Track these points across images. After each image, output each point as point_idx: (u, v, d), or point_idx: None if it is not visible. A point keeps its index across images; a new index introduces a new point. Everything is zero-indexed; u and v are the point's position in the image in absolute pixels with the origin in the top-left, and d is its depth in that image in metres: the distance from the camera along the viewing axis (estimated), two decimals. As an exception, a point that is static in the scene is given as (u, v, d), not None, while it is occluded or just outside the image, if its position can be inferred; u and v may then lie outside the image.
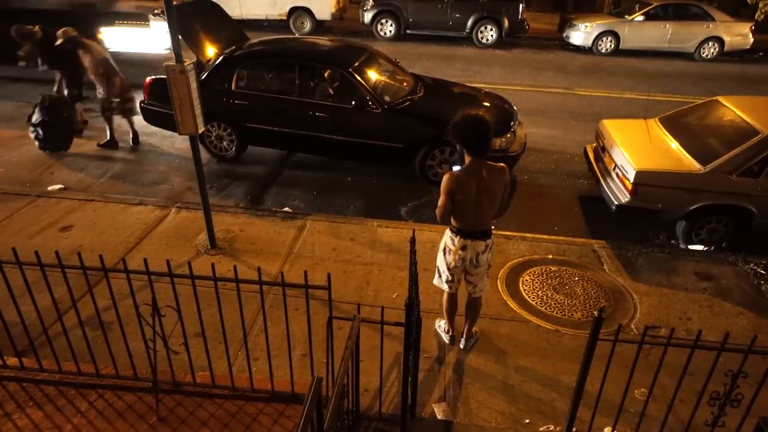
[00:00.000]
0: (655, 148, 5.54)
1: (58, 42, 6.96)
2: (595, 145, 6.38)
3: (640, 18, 14.15)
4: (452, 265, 3.62)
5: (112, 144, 7.44)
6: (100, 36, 9.92)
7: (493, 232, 3.63)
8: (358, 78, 6.36)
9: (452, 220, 3.51)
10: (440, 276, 3.79)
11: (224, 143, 6.97)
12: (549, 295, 4.60)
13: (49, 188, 6.19)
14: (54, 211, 5.55)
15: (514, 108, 7.00)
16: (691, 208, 5.17)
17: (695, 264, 5.12)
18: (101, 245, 4.93)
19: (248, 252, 5.02)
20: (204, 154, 6.74)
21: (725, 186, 5.04)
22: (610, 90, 10.97)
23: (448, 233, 3.62)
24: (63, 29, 6.99)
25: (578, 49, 14.63)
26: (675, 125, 5.91)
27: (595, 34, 14.24)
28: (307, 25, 15.09)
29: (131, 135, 7.53)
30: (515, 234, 5.48)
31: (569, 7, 19.27)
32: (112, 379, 3.31)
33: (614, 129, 5.95)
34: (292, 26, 15.06)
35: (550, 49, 14.92)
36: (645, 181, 5.12)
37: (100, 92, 7.06)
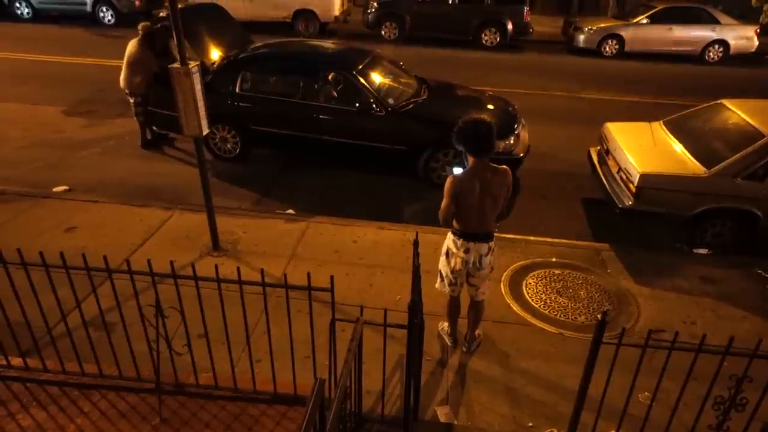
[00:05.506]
0: (659, 151, 5.52)
1: None
2: (599, 148, 6.37)
3: (645, 21, 14.13)
4: (456, 268, 3.61)
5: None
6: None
7: (497, 235, 3.63)
8: (362, 81, 6.37)
9: (455, 223, 3.51)
10: (442, 280, 3.78)
11: (228, 145, 6.99)
12: (552, 298, 4.59)
13: (54, 189, 6.21)
14: (58, 212, 5.57)
15: (518, 111, 7.00)
16: (696, 211, 5.15)
17: (699, 267, 5.09)
18: (105, 246, 4.93)
19: (251, 254, 5.03)
20: (208, 157, 6.76)
21: (730, 189, 5.02)
22: (614, 93, 10.94)
23: (450, 237, 3.62)
24: None
25: (582, 52, 14.60)
26: (679, 128, 5.89)
27: (600, 37, 14.22)
28: (311, 28, 15.13)
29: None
30: (519, 237, 5.47)
31: (573, 10, 19.26)
32: (115, 380, 3.32)
33: (618, 132, 5.94)
34: (296, 29, 15.10)
35: (555, 53, 14.91)
36: (649, 184, 5.10)
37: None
